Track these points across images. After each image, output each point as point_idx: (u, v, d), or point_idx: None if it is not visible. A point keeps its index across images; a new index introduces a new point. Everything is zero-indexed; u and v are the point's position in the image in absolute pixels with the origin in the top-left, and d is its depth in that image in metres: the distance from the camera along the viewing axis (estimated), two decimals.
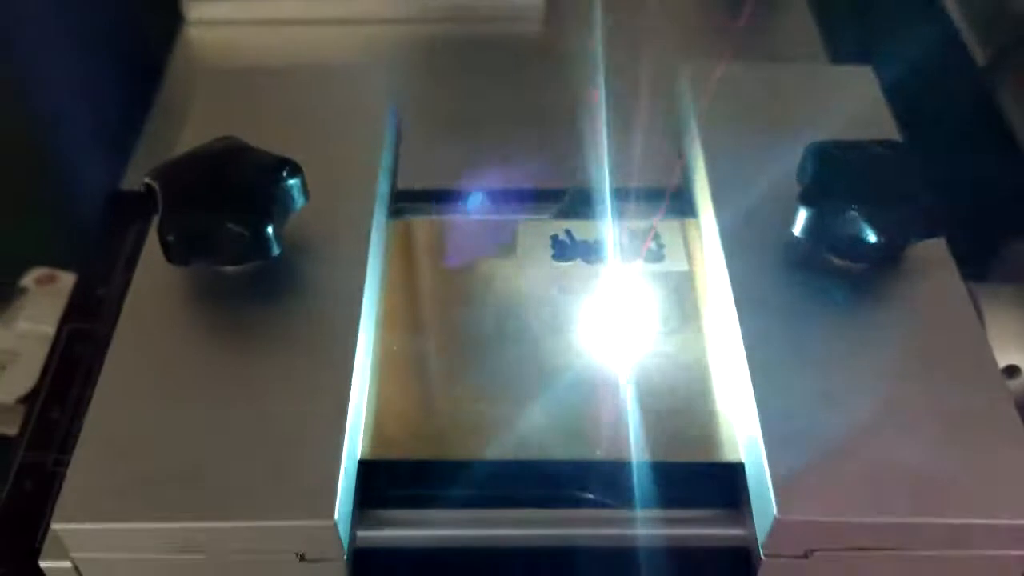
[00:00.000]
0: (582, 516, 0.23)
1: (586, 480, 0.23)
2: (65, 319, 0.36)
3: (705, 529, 0.23)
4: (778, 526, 0.20)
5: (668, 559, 0.24)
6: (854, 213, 0.23)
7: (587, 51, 0.39)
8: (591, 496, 0.24)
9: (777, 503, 0.20)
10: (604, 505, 0.24)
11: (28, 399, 0.41)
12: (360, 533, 0.23)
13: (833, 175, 0.24)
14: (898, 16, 0.58)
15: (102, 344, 0.25)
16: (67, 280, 0.46)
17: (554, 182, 0.31)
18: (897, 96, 0.34)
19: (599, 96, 0.30)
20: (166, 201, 0.23)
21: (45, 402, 0.33)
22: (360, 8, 0.46)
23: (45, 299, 0.46)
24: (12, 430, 0.39)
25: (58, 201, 0.48)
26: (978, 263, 0.31)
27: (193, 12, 0.46)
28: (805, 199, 0.23)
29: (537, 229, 0.28)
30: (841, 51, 0.49)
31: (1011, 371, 0.27)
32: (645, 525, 0.23)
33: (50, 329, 0.44)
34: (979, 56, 0.59)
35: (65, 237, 0.48)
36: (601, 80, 0.31)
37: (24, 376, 0.42)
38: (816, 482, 0.21)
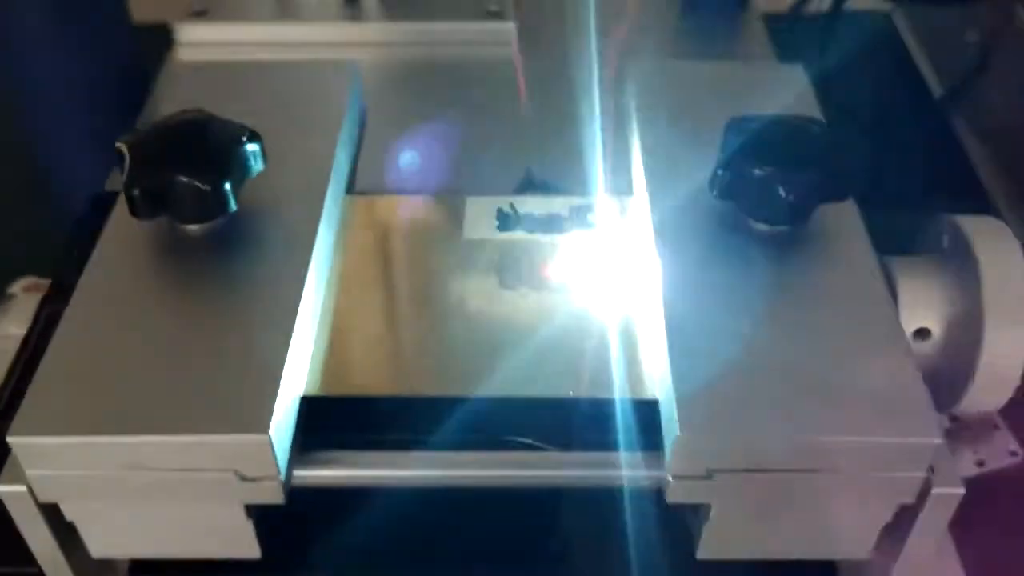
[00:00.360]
0: (509, 457, 0.25)
1: (515, 418, 0.25)
2: (43, 304, 0.37)
3: (627, 471, 0.25)
4: (680, 445, 0.22)
5: (590, 498, 0.25)
6: (763, 175, 0.25)
7: (551, 69, 0.42)
8: (520, 439, 0.25)
9: (680, 423, 0.22)
10: (532, 447, 0.25)
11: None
12: (297, 472, 0.24)
13: (748, 143, 0.26)
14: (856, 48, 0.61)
15: None
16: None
17: (512, 172, 0.33)
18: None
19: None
20: (133, 160, 0.25)
21: (20, 377, 0.34)
22: (342, 32, 0.49)
23: (31, 305, 0.48)
24: None
25: (47, 211, 0.50)
26: (902, 238, 0.32)
27: (182, 34, 0.49)
28: (723, 164, 0.25)
29: (485, 204, 0.30)
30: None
31: (922, 333, 0.29)
32: (571, 466, 0.25)
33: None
34: (934, 86, 0.62)
35: (53, 246, 0.50)
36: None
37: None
38: (717, 407, 0.22)
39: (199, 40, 0.49)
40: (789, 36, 0.54)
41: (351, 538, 0.26)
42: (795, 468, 0.22)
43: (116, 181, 0.42)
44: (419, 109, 0.42)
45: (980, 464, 0.41)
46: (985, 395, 0.28)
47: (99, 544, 0.25)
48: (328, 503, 0.26)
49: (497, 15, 0.48)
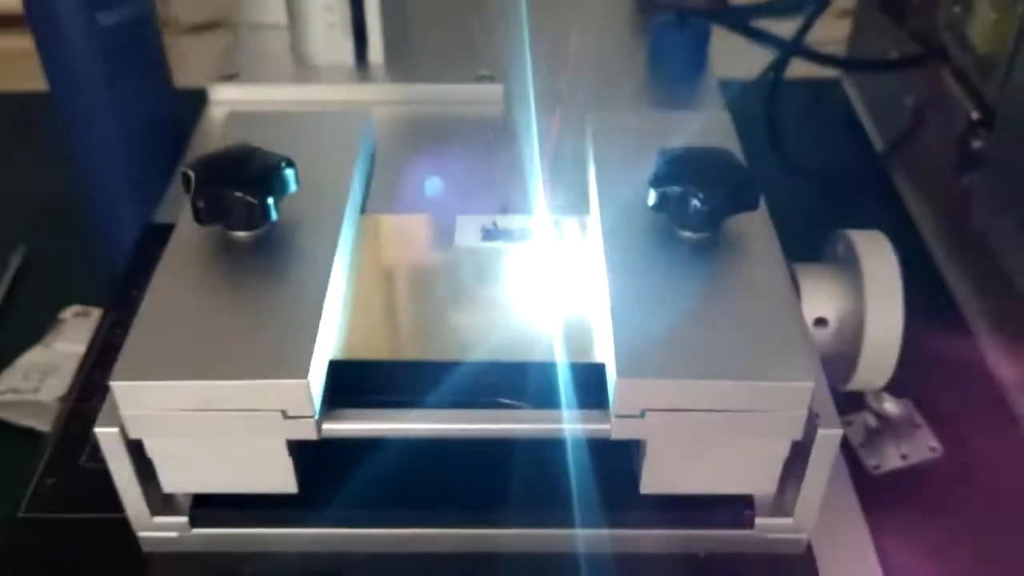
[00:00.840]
0: (492, 415, 0.32)
1: (495, 378, 0.32)
2: (106, 312, 0.44)
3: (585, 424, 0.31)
4: (619, 388, 0.29)
5: (559, 446, 0.32)
6: (683, 190, 0.32)
7: (528, 123, 0.50)
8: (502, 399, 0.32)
9: (617, 368, 0.29)
10: (511, 406, 0.32)
11: (64, 399, 0.50)
12: (326, 426, 0.31)
13: (674, 167, 0.33)
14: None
15: None
16: (97, 314, 0.55)
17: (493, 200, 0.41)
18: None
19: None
20: (197, 180, 0.32)
21: (91, 368, 0.41)
22: (353, 92, 0.56)
23: (79, 328, 0.56)
24: (48, 426, 0.47)
25: (93, 248, 0.57)
26: (810, 248, 0.40)
27: (215, 94, 0.57)
28: (653, 182, 0.33)
29: (473, 221, 0.37)
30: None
31: (821, 322, 0.36)
32: (540, 419, 0.32)
33: (83, 348, 0.53)
34: (876, 141, 0.70)
35: (97, 278, 0.57)
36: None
37: (60, 383, 0.51)
38: (648, 360, 0.29)
39: (229, 99, 0.57)
40: (746, 98, 0.62)
41: (366, 480, 0.33)
42: (706, 408, 0.29)
43: (163, 214, 0.49)
44: (418, 154, 0.50)
45: (904, 458, 0.48)
46: (870, 374, 0.35)
47: (169, 479, 0.32)
48: (347, 453, 0.33)
49: (487, 79, 0.57)
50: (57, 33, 0.48)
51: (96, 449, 0.36)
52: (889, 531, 0.40)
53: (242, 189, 0.32)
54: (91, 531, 0.35)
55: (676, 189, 0.32)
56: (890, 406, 0.47)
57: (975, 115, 0.57)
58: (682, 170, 0.33)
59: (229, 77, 0.57)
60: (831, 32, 0.72)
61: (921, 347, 0.54)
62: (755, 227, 0.34)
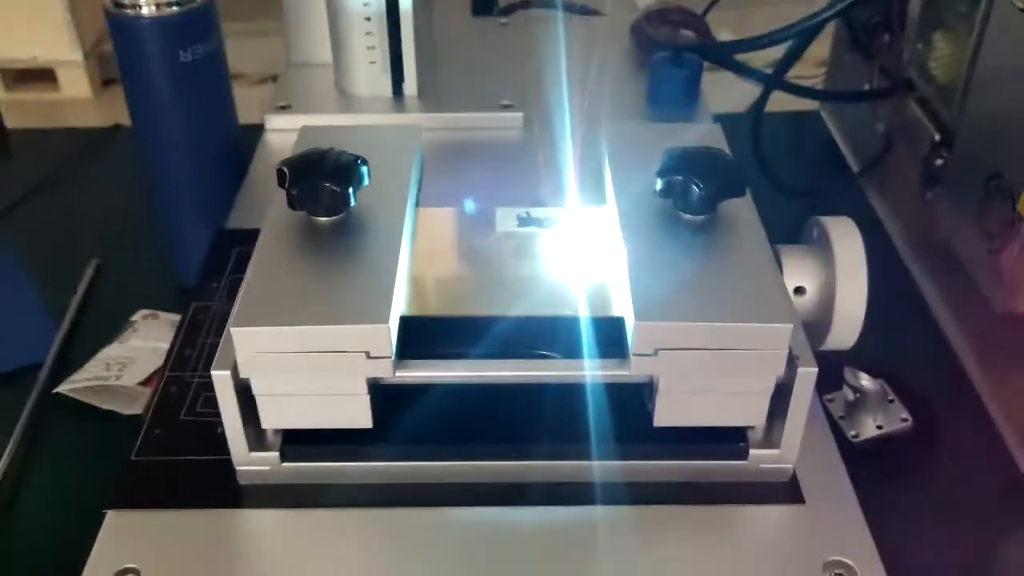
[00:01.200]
0: (531, 364, 0.39)
1: (534, 331, 0.39)
2: (189, 301, 0.52)
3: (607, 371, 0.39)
4: (636, 331, 0.36)
5: (586, 390, 0.39)
6: (683, 179, 0.40)
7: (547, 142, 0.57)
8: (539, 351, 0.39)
9: (635, 314, 0.36)
10: (546, 356, 0.39)
11: (146, 382, 0.57)
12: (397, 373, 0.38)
13: (676, 161, 0.41)
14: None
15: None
16: (165, 317, 0.63)
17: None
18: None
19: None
20: (291, 173, 0.40)
21: (182, 344, 0.48)
22: (391, 120, 0.64)
23: (149, 328, 0.63)
24: (138, 409, 0.54)
25: (162, 260, 0.65)
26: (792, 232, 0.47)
27: (270, 123, 0.65)
28: (660, 173, 0.40)
29: (510, 212, 0.45)
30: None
31: (799, 290, 0.43)
32: (571, 368, 0.39)
33: (156, 344, 0.61)
34: (852, 164, 0.78)
35: (165, 286, 0.65)
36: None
37: (140, 370, 0.58)
38: (658, 308, 0.36)
39: (283, 127, 0.65)
40: (737, 128, 0.70)
41: (425, 422, 0.40)
42: (707, 347, 0.36)
43: (232, 222, 0.57)
44: (455, 169, 0.57)
45: (879, 428, 0.55)
46: (841, 335, 0.43)
47: (268, 416, 0.39)
48: (409, 400, 0.40)
49: (508, 107, 0.65)
50: (143, 69, 0.56)
51: (192, 405, 0.44)
52: (868, 484, 0.47)
53: (329, 180, 0.40)
54: (191, 470, 0.42)
55: (679, 178, 0.40)
56: (866, 382, 0.54)
57: (937, 137, 0.65)
58: (683, 164, 0.40)
59: (283, 108, 0.65)
60: (810, 69, 0.80)
61: (894, 337, 0.61)
62: (743, 212, 0.42)
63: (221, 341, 0.38)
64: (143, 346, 0.61)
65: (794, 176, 0.74)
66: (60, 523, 0.50)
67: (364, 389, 0.38)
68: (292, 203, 0.40)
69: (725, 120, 0.67)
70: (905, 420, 0.55)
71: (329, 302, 0.37)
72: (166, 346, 0.51)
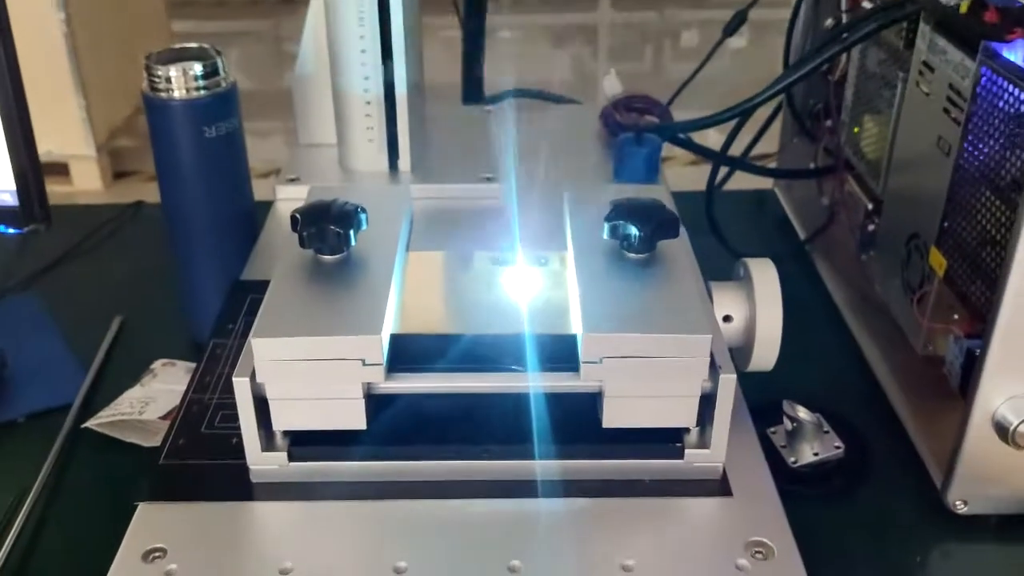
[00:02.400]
0: (500, 376, 0.47)
1: (503, 347, 0.47)
2: (209, 338, 0.59)
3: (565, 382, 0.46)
4: (585, 342, 0.44)
5: (547, 399, 0.47)
6: (626, 223, 0.48)
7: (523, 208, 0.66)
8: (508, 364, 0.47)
9: (584, 327, 0.44)
10: (510, 370, 0.47)
11: (166, 416, 0.64)
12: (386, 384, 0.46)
13: (621, 210, 0.49)
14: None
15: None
16: (182, 365, 0.70)
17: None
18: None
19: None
20: (303, 219, 0.48)
21: (203, 372, 0.56)
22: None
23: (169, 374, 0.70)
24: (157, 442, 0.61)
25: (182, 313, 0.73)
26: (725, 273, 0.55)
27: (280, 193, 0.74)
28: (607, 218, 0.49)
29: (485, 255, 0.53)
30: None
31: (727, 318, 0.51)
32: (533, 380, 0.46)
33: (174, 387, 0.68)
34: (800, 232, 0.87)
35: (183, 338, 0.72)
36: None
37: (161, 407, 0.65)
38: (605, 322, 0.44)
39: (292, 197, 0.74)
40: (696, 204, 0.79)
41: (409, 427, 0.48)
42: (644, 355, 0.44)
43: (250, 272, 0.65)
44: (441, 226, 0.66)
45: (816, 454, 0.62)
46: (762, 357, 0.51)
47: (279, 418, 0.46)
48: (397, 410, 0.47)
49: (490, 179, 0.74)
50: (173, 143, 0.65)
51: (211, 420, 0.51)
52: (805, 503, 0.54)
53: (333, 223, 0.48)
54: (210, 471, 0.49)
55: (622, 223, 0.48)
56: (803, 413, 0.62)
57: (869, 206, 0.74)
58: (627, 211, 0.49)
59: (292, 180, 0.74)
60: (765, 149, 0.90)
61: (832, 378, 0.69)
62: (679, 252, 0.50)
63: (241, 354, 0.46)
64: (162, 388, 0.68)
65: (749, 243, 0.83)
66: (86, 537, 0.57)
67: (360, 393, 0.45)
68: (303, 242, 0.48)
69: (690, 196, 0.77)
70: (838, 447, 0.62)
71: (332, 319, 0.45)
72: (183, 388, 0.58)
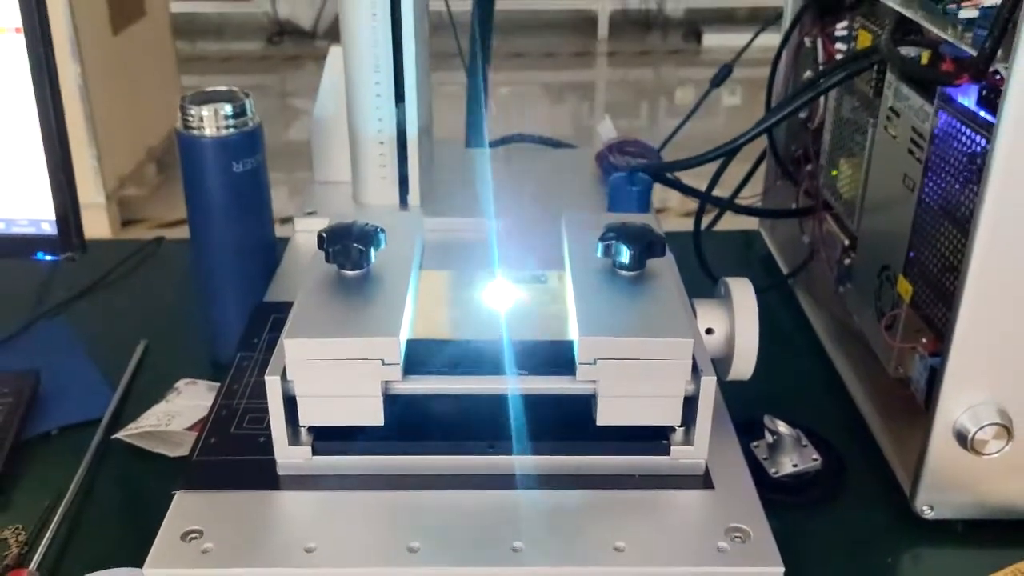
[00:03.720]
0: (507, 380, 0.52)
1: (508, 352, 0.52)
2: (236, 351, 0.65)
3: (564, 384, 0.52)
4: (581, 343, 0.49)
5: (547, 400, 0.52)
6: (618, 243, 0.54)
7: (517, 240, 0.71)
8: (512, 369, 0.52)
9: (580, 331, 0.49)
10: (514, 373, 0.52)
11: (192, 428, 0.69)
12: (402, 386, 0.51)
13: (613, 231, 0.55)
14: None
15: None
16: (204, 383, 0.75)
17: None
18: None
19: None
20: (329, 237, 0.54)
21: (231, 381, 0.61)
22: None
23: (192, 391, 0.75)
24: (183, 451, 0.66)
25: (203, 335, 0.78)
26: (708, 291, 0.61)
27: (299, 225, 0.80)
28: (600, 238, 0.54)
29: (490, 272, 0.59)
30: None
31: (709, 331, 0.56)
32: (536, 382, 0.52)
33: (198, 402, 0.73)
34: (784, 268, 0.93)
35: (205, 358, 0.77)
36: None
37: (186, 419, 0.70)
38: (598, 327, 0.50)
39: (310, 229, 0.79)
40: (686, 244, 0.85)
41: (423, 425, 0.53)
42: (633, 357, 0.49)
43: (271, 296, 0.70)
44: (449, 252, 0.72)
45: (795, 466, 0.67)
46: (741, 365, 0.56)
47: (306, 413, 0.51)
48: (412, 409, 0.53)
49: (493, 214, 0.79)
50: (203, 177, 0.71)
51: (240, 423, 0.56)
52: (784, 510, 0.59)
53: (356, 241, 0.54)
54: (240, 466, 0.54)
55: (615, 243, 0.54)
56: (782, 427, 0.67)
57: (846, 243, 0.80)
58: (618, 232, 0.55)
59: (310, 214, 0.80)
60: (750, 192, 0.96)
61: (812, 399, 0.74)
62: (666, 270, 0.56)
63: (273, 356, 0.51)
64: (187, 403, 0.73)
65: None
66: (116, 537, 0.61)
67: (379, 391, 0.50)
68: (328, 258, 0.54)
69: (682, 236, 0.82)
70: (816, 460, 0.67)
71: (355, 323, 0.50)
72: (206, 403, 0.63)
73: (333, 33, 1.13)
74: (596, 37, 4.02)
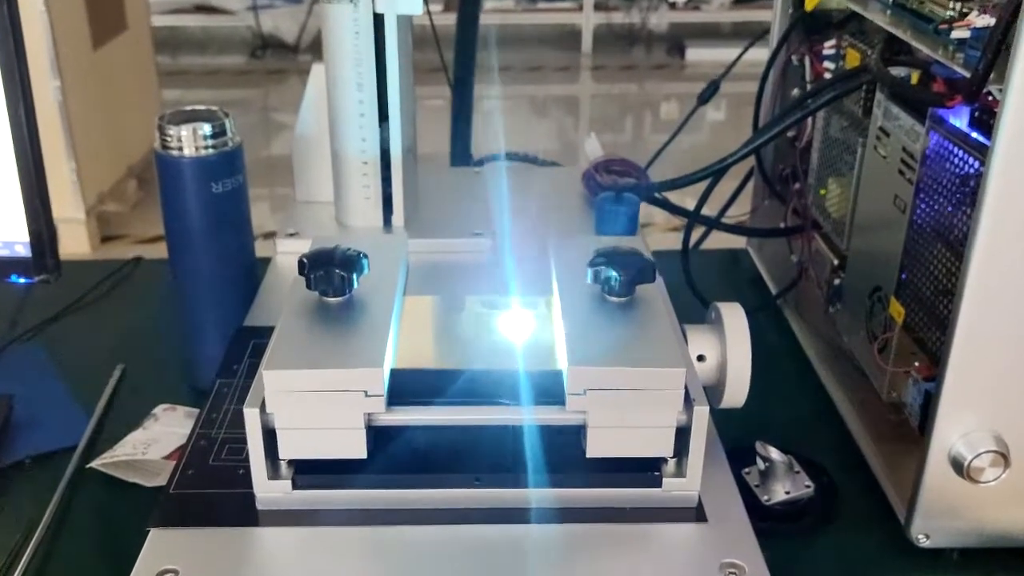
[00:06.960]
0: (492, 409, 0.50)
1: (493, 382, 0.50)
2: (215, 378, 0.63)
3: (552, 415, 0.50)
4: (570, 373, 0.48)
5: (536, 431, 0.50)
6: (607, 268, 0.52)
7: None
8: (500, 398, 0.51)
9: (569, 361, 0.48)
10: (501, 403, 0.50)
11: (169, 456, 0.67)
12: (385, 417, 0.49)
13: (603, 257, 0.54)
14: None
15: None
16: (182, 409, 0.73)
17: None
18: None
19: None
20: (309, 263, 0.52)
21: (209, 409, 0.59)
22: None
23: (170, 417, 0.73)
24: (160, 482, 0.64)
25: (183, 360, 0.76)
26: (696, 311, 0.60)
27: (280, 247, 0.78)
28: (590, 264, 0.53)
29: (477, 299, 0.57)
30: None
31: (701, 358, 0.55)
32: (522, 413, 0.50)
33: (176, 429, 0.71)
34: (772, 288, 0.92)
35: (182, 383, 0.75)
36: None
37: (163, 448, 0.68)
38: (588, 356, 0.48)
39: (290, 250, 0.78)
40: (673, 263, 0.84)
41: (406, 457, 0.51)
42: (623, 387, 0.48)
43: (251, 320, 0.69)
44: (434, 275, 0.70)
45: (787, 493, 0.66)
46: (733, 392, 0.55)
47: (286, 447, 0.50)
48: (394, 442, 0.51)
49: (479, 234, 0.78)
50: (182, 198, 0.69)
51: (218, 453, 0.55)
52: (778, 537, 0.58)
53: (338, 267, 0.52)
54: (218, 500, 0.52)
55: (604, 269, 0.53)
56: (774, 454, 0.65)
57: (835, 262, 0.79)
58: (607, 258, 0.53)
59: (291, 234, 0.78)
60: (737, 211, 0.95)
61: (803, 423, 0.73)
62: (656, 296, 0.54)
63: (251, 387, 0.49)
64: (164, 430, 0.71)
65: (724, 298, 0.87)
66: (90, 570, 0.59)
67: (362, 423, 0.49)
68: (309, 285, 0.52)
69: (668, 255, 0.81)
70: (809, 487, 0.66)
71: (337, 354, 0.49)
72: (184, 431, 0.61)
73: (316, 47, 1.12)
74: (580, 51, 4.02)
